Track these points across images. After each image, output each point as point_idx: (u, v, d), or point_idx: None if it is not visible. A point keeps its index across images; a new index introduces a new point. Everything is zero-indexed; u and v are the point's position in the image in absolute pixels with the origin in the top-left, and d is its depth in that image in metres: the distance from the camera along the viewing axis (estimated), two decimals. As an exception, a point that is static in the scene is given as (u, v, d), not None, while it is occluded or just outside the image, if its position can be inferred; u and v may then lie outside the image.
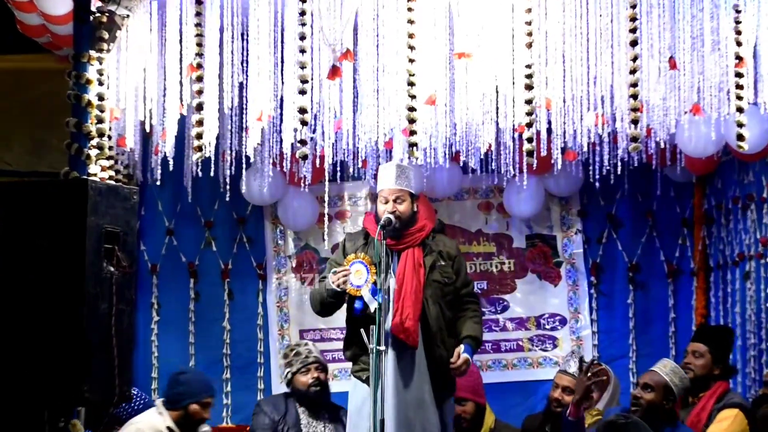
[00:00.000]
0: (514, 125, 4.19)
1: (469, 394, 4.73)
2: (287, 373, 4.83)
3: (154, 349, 5.74)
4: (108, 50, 3.97)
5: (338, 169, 5.08)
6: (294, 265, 5.80)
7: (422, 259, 4.17)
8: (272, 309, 5.78)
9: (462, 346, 4.14)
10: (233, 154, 4.81)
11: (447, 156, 4.74)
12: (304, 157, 3.52)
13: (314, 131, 4.45)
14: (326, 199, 4.75)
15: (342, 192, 5.82)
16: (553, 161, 4.47)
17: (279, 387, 5.52)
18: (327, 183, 4.57)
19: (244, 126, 4.36)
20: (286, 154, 4.64)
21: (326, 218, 4.98)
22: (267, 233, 5.85)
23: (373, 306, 3.99)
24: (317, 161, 4.73)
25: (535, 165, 3.95)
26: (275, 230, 5.84)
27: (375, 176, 4.95)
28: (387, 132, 4.31)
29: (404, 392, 4.06)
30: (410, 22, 3.68)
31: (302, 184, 5.11)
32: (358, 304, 4.10)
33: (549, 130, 4.31)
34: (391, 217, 4.14)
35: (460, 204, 5.82)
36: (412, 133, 3.66)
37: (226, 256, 5.82)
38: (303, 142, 3.54)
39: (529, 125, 3.79)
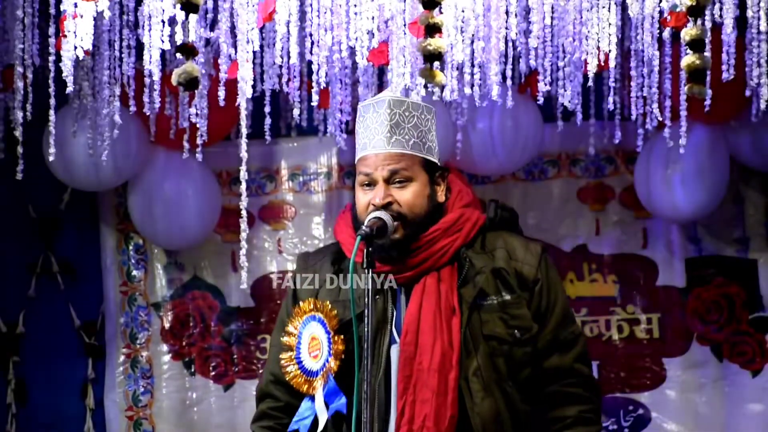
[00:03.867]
0: (657, 18, 4.39)
1: None
2: None
3: None
4: None
5: (267, 111, 5.03)
6: (168, 325, 5.97)
7: (455, 293, 4.17)
8: (114, 424, 5.90)
9: None
10: (30, 77, 4.89)
11: (510, 85, 4.78)
12: (192, 84, 3.45)
13: (212, 28, 4.50)
14: (241, 176, 4.70)
15: (275, 162, 5.98)
16: (748, 95, 4.68)
17: None
18: (243, 141, 4.62)
19: (53, 13, 4.48)
20: (151, 78, 4.63)
21: (242, 218, 4.82)
22: (107, 253, 6.08)
23: (322, 420, 4.16)
24: (221, 95, 4.77)
25: (708, 104, 4.17)
26: (126, 247, 5.87)
27: (349, 128, 5.27)
28: (373, 29, 4.45)
29: None
30: None
31: (186, 145, 5.25)
32: (308, 411, 4.22)
33: (740, 29, 4.41)
34: (383, 216, 4.12)
35: (538, 188, 6.03)
36: (430, 31, 3.55)
37: (14, 305, 6.03)
38: (189, 52, 3.51)
39: (696, 14, 3.61)
